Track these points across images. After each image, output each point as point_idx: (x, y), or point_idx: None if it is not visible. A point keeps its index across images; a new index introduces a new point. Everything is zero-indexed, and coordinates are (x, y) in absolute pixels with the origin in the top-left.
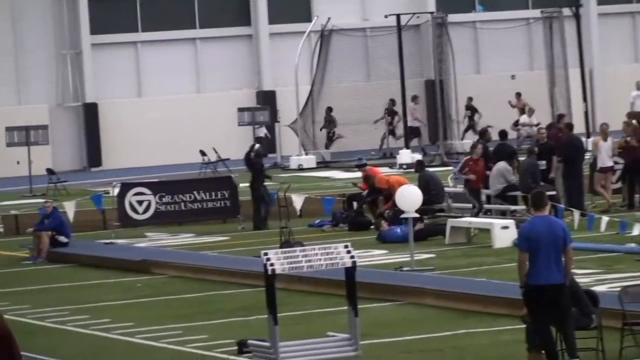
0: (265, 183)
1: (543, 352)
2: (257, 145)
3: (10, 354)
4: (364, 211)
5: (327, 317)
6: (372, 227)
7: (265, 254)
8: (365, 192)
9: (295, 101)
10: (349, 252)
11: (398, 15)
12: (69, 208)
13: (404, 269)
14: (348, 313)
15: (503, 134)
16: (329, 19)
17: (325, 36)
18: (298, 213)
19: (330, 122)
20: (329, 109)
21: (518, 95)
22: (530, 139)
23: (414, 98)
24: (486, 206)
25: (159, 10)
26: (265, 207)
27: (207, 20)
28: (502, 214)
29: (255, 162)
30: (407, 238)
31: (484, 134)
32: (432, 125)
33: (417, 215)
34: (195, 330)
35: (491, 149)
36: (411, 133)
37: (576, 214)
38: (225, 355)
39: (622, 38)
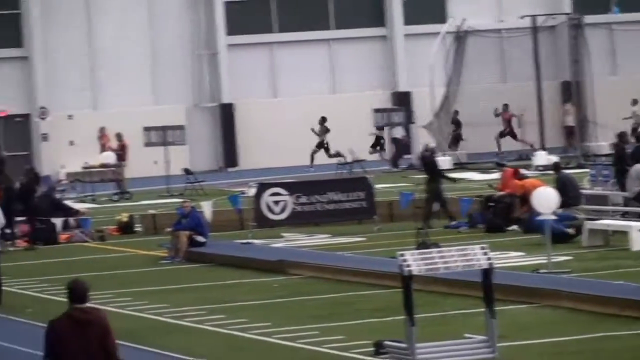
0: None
1: None
2: (431, 144)
3: (106, 344)
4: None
5: (464, 318)
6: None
7: (402, 255)
8: (501, 194)
9: (430, 102)
10: (485, 253)
11: (534, 17)
12: (207, 208)
13: (541, 271)
14: (485, 315)
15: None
16: (464, 20)
17: (460, 37)
18: (435, 214)
19: (456, 124)
20: (456, 112)
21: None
22: None
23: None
24: (623, 208)
25: (294, 11)
26: (439, 205)
27: (341, 21)
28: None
29: (429, 161)
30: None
31: (622, 137)
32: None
33: (553, 217)
34: (332, 331)
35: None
36: (567, 132)
37: None
38: (361, 357)
39: None
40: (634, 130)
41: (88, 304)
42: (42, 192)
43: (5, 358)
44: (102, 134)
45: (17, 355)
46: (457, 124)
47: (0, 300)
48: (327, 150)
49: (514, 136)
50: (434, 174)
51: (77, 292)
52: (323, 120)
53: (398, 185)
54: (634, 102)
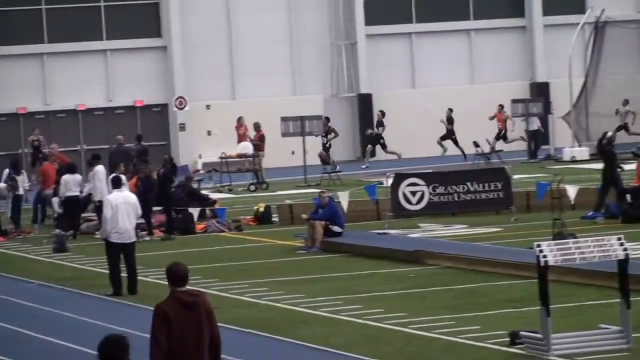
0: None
1: None
2: (609, 133)
3: (210, 326)
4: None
5: (599, 309)
6: None
7: (538, 245)
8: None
9: (568, 93)
10: (622, 244)
11: None
12: (343, 198)
13: None
14: (620, 305)
15: None
16: (603, 10)
17: (599, 28)
18: (572, 205)
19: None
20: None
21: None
22: None
23: None
24: None
25: (433, 1)
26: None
27: (481, 11)
28: None
29: (607, 150)
30: None
31: None
32: None
33: None
34: (468, 321)
35: None
36: None
37: None
38: (497, 347)
39: None
40: (620, 128)
41: (190, 287)
42: (179, 182)
43: (141, 348)
44: (239, 124)
45: None
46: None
47: (136, 289)
48: (449, 140)
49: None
50: (612, 163)
51: (178, 275)
52: (450, 111)
53: (535, 175)
54: (626, 102)
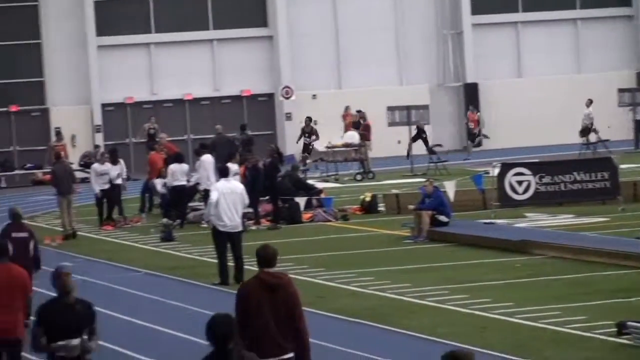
0: None
1: None
2: None
3: (293, 308)
4: None
5: None
6: None
7: None
8: None
9: None
10: None
11: None
12: (449, 187)
13: None
14: None
15: None
16: None
17: None
18: None
19: None
20: None
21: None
22: None
23: None
24: None
25: None
26: None
27: (587, 0)
28: None
29: None
30: None
31: None
32: None
33: None
34: (574, 312)
35: None
36: None
37: None
38: (604, 337)
39: None
40: (585, 130)
41: (276, 269)
42: (285, 172)
43: None
44: (346, 113)
45: None
46: None
47: (242, 279)
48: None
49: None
50: None
51: (266, 257)
52: (590, 101)
53: None
54: (590, 102)
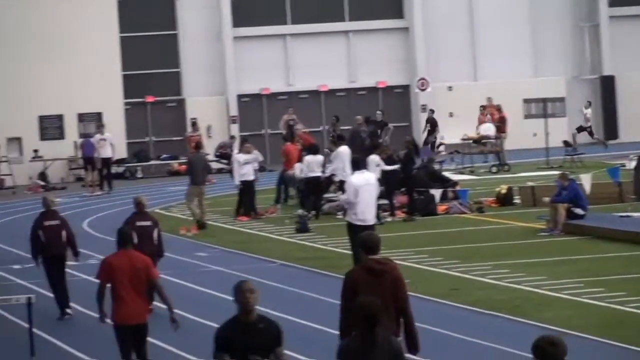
0: None
1: None
2: None
3: (397, 294)
4: None
5: None
6: None
7: None
8: None
9: None
10: None
11: None
12: (585, 180)
13: None
14: None
15: None
16: None
17: None
18: None
19: None
20: None
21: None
22: None
23: None
24: None
25: None
26: None
27: None
28: None
29: None
30: None
31: None
32: None
33: None
34: None
35: None
36: None
37: None
38: None
39: None
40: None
41: (381, 256)
42: (421, 163)
43: None
44: (488, 104)
45: None
46: None
47: None
48: None
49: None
50: None
51: (370, 244)
52: (589, 103)
53: None
54: (589, 104)
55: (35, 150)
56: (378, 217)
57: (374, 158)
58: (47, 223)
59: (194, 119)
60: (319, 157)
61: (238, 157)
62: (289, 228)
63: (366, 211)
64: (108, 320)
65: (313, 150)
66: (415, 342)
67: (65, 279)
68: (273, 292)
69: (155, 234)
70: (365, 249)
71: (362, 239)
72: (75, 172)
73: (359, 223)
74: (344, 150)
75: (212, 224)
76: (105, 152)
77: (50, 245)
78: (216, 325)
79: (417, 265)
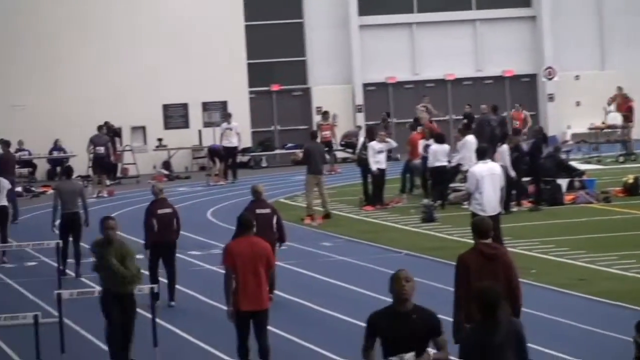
0: None
1: None
2: None
3: (509, 278)
4: None
5: None
6: None
7: None
8: None
9: None
10: None
11: None
12: None
13: None
14: None
15: None
16: None
17: None
18: None
19: None
20: None
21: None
22: None
23: None
24: None
25: None
26: None
27: None
28: None
29: None
30: None
31: None
32: None
33: None
34: None
35: None
36: None
37: None
38: None
39: None
40: None
41: (491, 241)
42: (547, 153)
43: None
44: (617, 93)
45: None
46: None
47: None
48: None
49: None
50: None
51: (482, 228)
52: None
53: None
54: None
55: (159, 139)
56: (507, 207)
57: (505, 148)
58: (160, 211)
59: (320, 107)
60: (445, 146)
61: (373, 145)
62: (414, 218)
63: (489, 201)
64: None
65: (439, 139)
66: (518, 313)
67: (175, 267)
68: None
69: (274, 221)
70: (477, 233)
71: (474, 223)
72: (200, 161)
73: (481, 213)
74: (471, 139)
75: (337, 213)
76: (231, 141)
77: (163, 233)
78: (340, 316)
79: (543, 256)
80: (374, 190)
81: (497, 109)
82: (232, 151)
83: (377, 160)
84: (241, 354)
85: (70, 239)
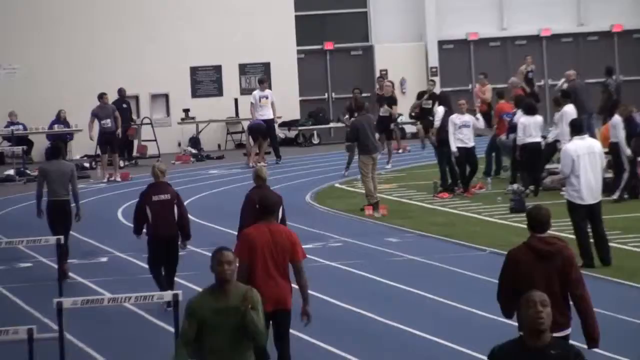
0: None
1: None
2: None
3: (567, 277)
4: None
5: None
6: None
7: None
8: None
9: None
10: None
11: None
12: None
13: None
14: None
15: None
16: None
17: None
18: None
19: None
20: None
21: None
22: None
23: None
24: None
25: None
26: None
27: None
28: None
29: None
30: None
31: None
32: None
33: None
34: None
35: None
36: None
37: None
38: None
39: None
40: None
41: (550, 233)
42: None
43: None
44: None
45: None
46: None
47: (609, 259)
48: None
49: None
50: None
51: (536, 220)
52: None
53: None
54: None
55: (186, 110)
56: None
57: (618, 120)
58: (155, 197)
59: (385, 70)
60: (538, 119)
61: (453, 118)
62: (501, 207)
63: (588, 187)
64: None
65: (529, 109)
66: (594, 334)
67: (174, 267)
68: (484, 287)
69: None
70: (532, 226)
71: (529, 213)
72: (235, 138)
73: (579, 202)
74: (570, 110)
75: (405, 202)
76: (267, 113)
77: (157, 223)
78: (412, 331)
79: None
80: (454, 174)
81: (613, 71)
82: (270, 125)
83: (460, 138)
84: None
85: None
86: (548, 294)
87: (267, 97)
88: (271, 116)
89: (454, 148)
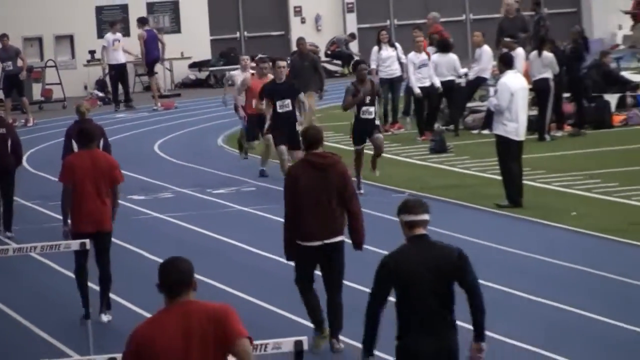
0: None
1: None
2: None
3: (343, 187)
4: None
5: None
6: None
7: None
8: None
9: None
10: None
11: None
12: None
13: None
14: None
15: None
16: None
17: None
18: None
19: None
20: None
21: None
22: None
23: None
24: None
25: None
26: None
27: None
28: None
29: None
30: None
31: None
32: None
33: None
34: None
35: None
36: None
37: None
38: None
39: None
40: None
41: (323, 150)
42: (591, 62)
43: (540, 272)
44: None
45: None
46: None
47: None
48: None
49: None
50: None
51: (310, 138)
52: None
53: None
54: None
55: (92, 52)
56: (546, 132)
57: (546, 55)
58: None
59: (299, 7)
60: (451, 56)
61: (412, 57)
62: (421, 148)
63: (523, 122)
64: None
65: (443, 46)
66: (360, 239)
67: (11, 197)
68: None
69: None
70: (307, 145)
71: (304, 134)
72: (145, 80)
73: (513, 137)
74: (487, 49)
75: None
76: (118, 58)
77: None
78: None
79: (586, 194)
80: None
81: (540, 4)
82: (122, 70)
83: (419, 77)
84: None
85: None
86: (327, 202)
87: (119, 41)
88: (123, 60)
89: (416, 89)
